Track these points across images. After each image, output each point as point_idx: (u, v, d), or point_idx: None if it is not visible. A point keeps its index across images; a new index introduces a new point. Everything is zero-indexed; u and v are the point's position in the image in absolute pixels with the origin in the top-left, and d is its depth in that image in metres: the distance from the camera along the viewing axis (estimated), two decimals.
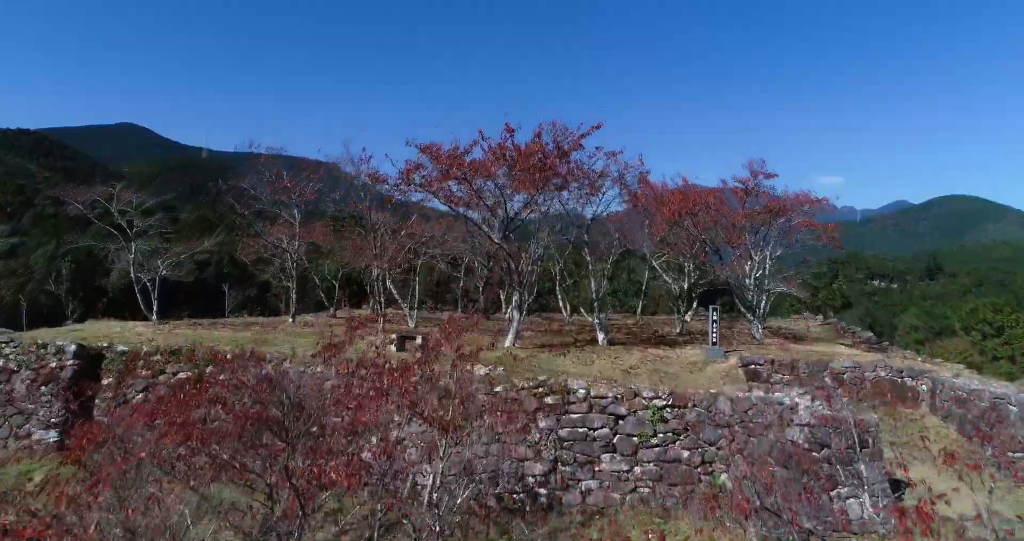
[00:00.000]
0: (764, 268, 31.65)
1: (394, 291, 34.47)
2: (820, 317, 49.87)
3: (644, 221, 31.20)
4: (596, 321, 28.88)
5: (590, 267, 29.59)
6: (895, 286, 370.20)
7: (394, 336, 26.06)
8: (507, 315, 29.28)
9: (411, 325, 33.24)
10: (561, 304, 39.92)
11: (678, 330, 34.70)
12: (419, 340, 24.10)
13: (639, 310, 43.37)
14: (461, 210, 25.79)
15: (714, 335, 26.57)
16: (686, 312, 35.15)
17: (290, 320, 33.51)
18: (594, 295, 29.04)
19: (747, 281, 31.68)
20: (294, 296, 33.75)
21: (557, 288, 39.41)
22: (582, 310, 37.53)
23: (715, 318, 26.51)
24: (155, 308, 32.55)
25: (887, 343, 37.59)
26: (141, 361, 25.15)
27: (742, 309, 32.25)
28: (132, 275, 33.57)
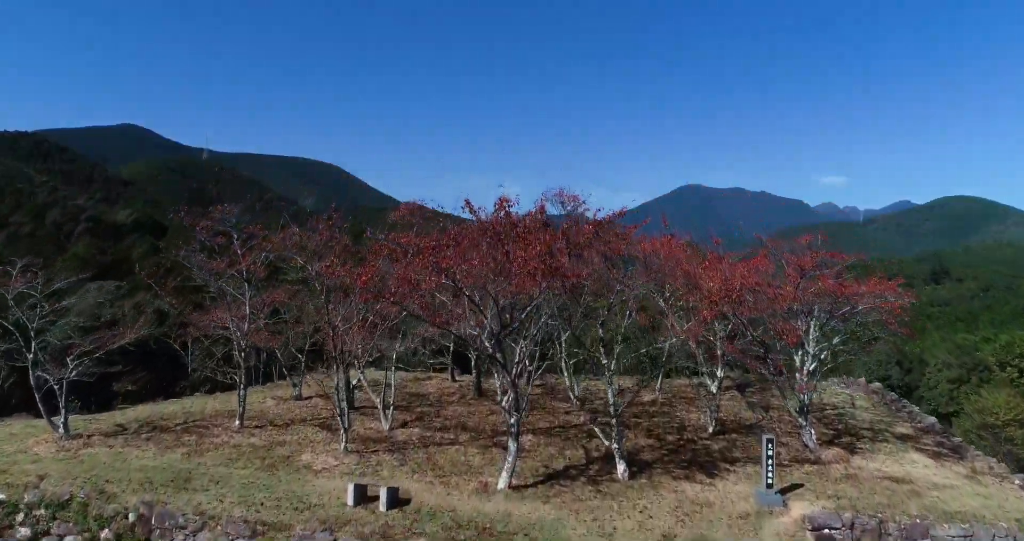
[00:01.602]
0: (818, 361, 25.81)
1: (367, 387, 28.46)
2: (862, 379, 43.85)
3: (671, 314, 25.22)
4: (615, 446, 22.87)
5: (606, 374, 23.61)
6: (900, 290, 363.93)
7: (350, 489, 20.00)
8: (502, 403, 23.00)
9: (385, 427, 27.19)
10: (567, 381, 33.99)
11: (711, 428, 28.68)
12: (383, 497, 18.17)
13: (659, 382, 37.38)
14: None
15: (768, 475, 20.60)
16: (716, 410, 29.22)
17: (237, 424, 27.35)
18: (612, 408, 23.15)
19: (798, 376, 25.74)
20: (243, 392, 27.56)
21: (563, 363, 33.48)
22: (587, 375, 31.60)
23: (769, 453, 20.53)
24: (64, 419, 26.09)
25: (958, 438, 31.51)
26: (21, 515, 19.22)
27: (791, 411, 26.26)
28: (31, 379, 26.74)
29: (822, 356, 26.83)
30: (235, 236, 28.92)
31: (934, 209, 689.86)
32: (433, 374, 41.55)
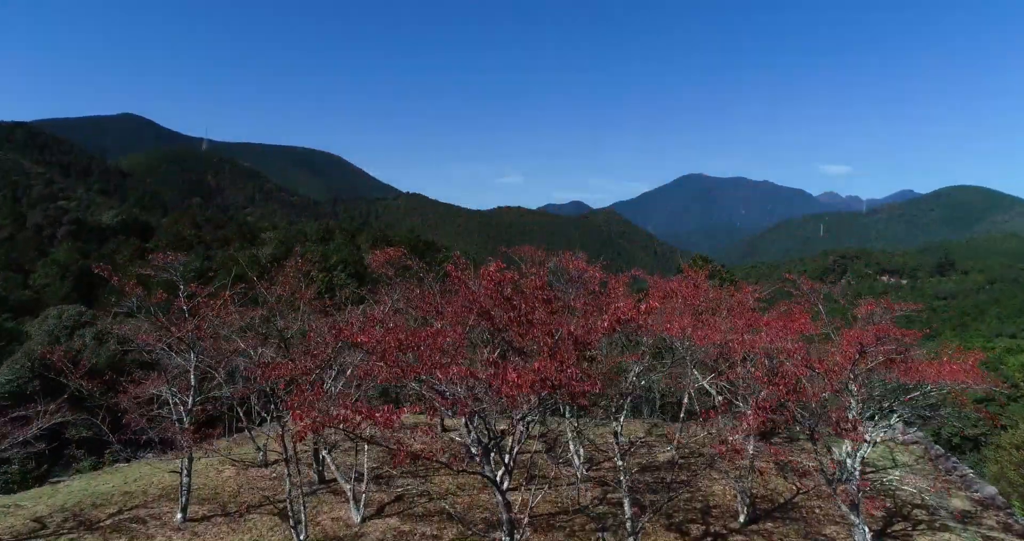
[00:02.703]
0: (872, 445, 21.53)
1: (334, 470, 24.15)
2: (899, 424, 39.42)
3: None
4: None
5: (620, 471, 19.37)
6: (904, 282, 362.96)
7: None
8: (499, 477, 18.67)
9: (356, 517, 22.90)
10: (571, 446, 29.74)
11: (742, 515, 24.39)
12: None
13: (676, 437, 33.15)
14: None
15: None
16: (748, 491, 24.98)
17: (179, 517, 23.01)
18: (625, 504, 18.98)
19: (849, 463, 21.53)
20: (186, 480, 23.15)
21: (569, 433, 29.21)
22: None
23: None
24: None
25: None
26: None
27: (841, 506, 22.01)
28: None
29: (877, 440, 22.53)
30: (180, 288, 24.55)
31: (938, 198, 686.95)
32: (416, 417, 37.32)
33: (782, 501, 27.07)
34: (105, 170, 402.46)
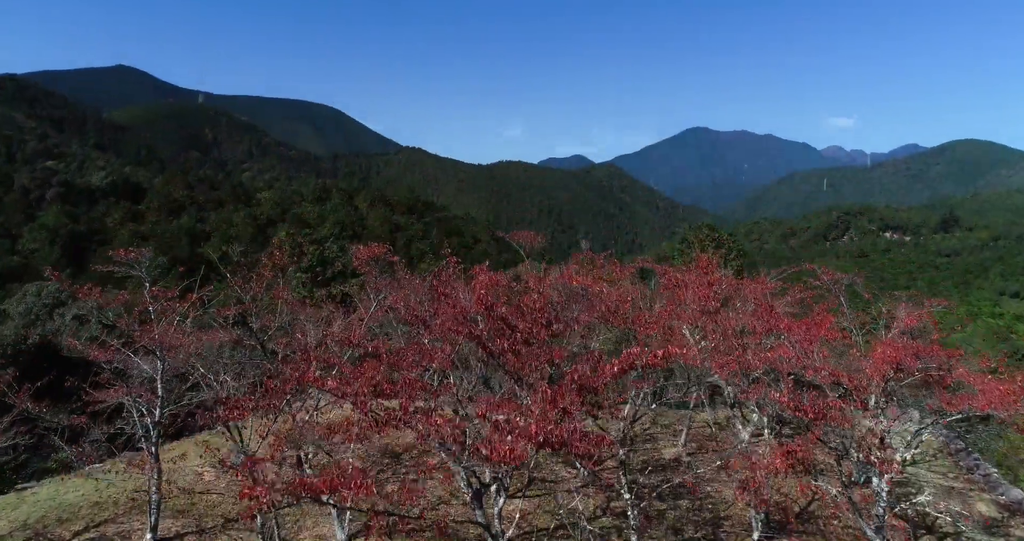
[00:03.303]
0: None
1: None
2: (915, 413, 37.57)
3: None
4: None
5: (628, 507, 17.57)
6: (907, 239, 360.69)
7: None
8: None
9: (341, 536, 21.13)
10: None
11: (756, 532, 22.58)
12: None
13: (684, 437, 31.51)
14: None
15: None
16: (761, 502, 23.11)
17: (148, 537, 21.28)
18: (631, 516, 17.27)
19: (875, 481, 19.72)
20: (155, 497, 21.32)
21: None
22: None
23: None
24: None
25: None
26: None
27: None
28: None
29: (908, 456, 20.64)
30: (147, 286, 22.40)
31: (943, 153, 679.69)
32: (391, 403, 35.47)
33: (797, 510, 25.40)
34: (100, 124, 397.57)
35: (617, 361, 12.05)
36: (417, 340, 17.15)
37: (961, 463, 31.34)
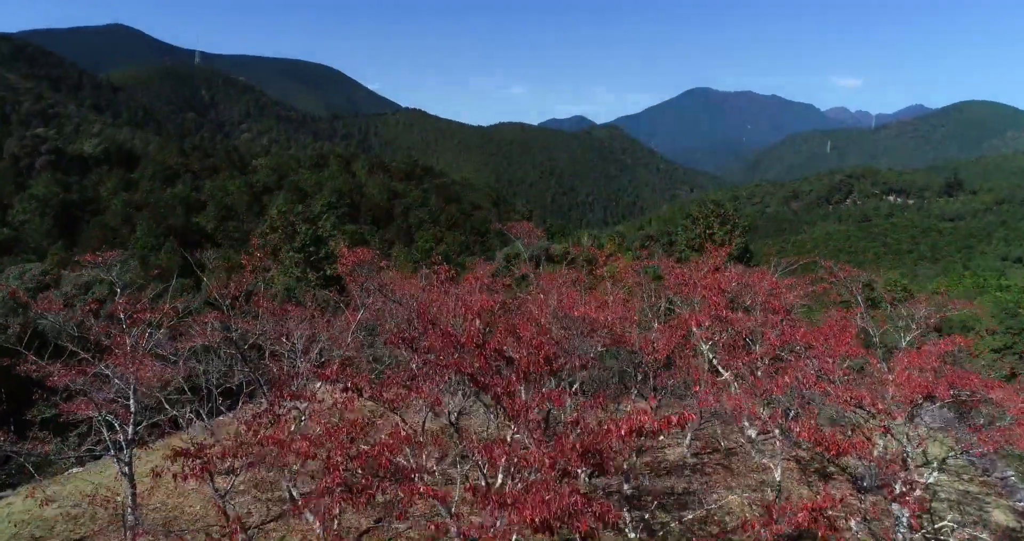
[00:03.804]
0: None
1: (297, 498, 21.09)
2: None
3: None
4: None
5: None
6: (911, 202, 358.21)
7: None
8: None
9: None
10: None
11: None
12: None
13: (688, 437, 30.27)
14: None
15: None
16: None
17: None
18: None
19: (895, 508, 18.70)
20: (130, 517, 20.10)
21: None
22: None
23: None
24: None
25: None
26: None
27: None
28: None
29: (932, 480, 19.35)
30: (117, 291, 20.96)
31: (949, 114, 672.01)
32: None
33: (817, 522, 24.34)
34: (96, 85, 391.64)
35: (624, 420, 10.68)
36: (401, 370, 15.72)
37: (976, 463, 30.16)
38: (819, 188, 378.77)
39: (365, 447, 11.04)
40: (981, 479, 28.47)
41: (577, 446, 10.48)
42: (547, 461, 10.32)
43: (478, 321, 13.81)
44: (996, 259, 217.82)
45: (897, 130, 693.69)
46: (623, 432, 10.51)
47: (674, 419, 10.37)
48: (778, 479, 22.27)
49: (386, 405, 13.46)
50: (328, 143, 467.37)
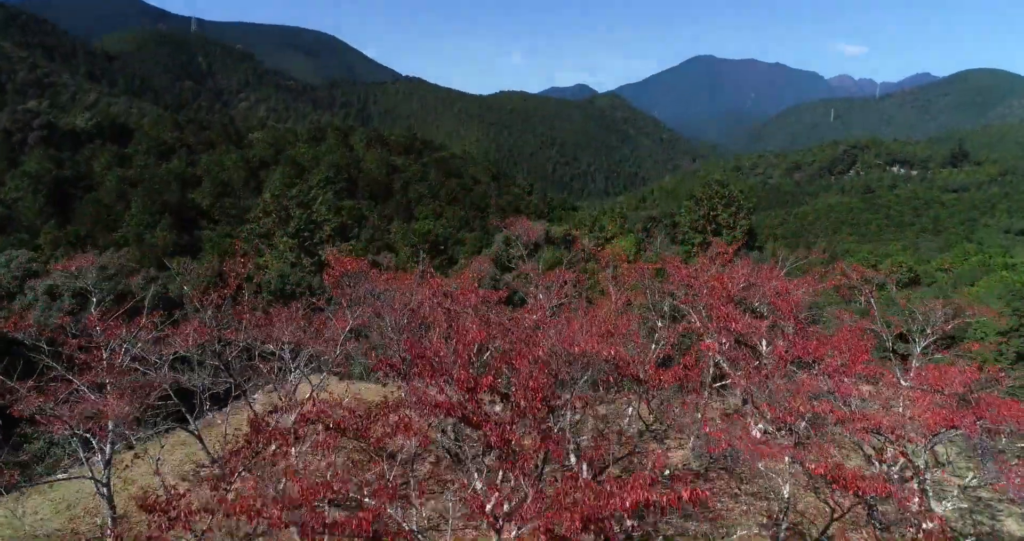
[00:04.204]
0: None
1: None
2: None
3: None
4: None
5: None
6: (914, 173, 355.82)
7: None
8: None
9: None
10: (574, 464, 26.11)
11: None
12: None
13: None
14: None
15: None
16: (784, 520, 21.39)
17: None
18: None
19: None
20: (109, 531, 19.13)
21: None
22: None
23: None
24: None
25: None
26: None
27: None
28: None
29: (950, 507, 18.49)
30: (92, 299, 19.85)
31: (954, 83, 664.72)
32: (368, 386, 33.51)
33: (815, 533, 23.53)
34: (90, 53, 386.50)
35: (630, 489, 9.69)
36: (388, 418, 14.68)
37: (989, 466, 29.28)
38: (822, 159, 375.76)
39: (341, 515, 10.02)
40: (994, 485, 27.61)
41: (576, 517, 9.49)
42: (541, 527, 9.35)
43: (472, 355, 12.76)
44: (999, 232, 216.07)
45: (901, 99, 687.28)
46: (627, 504, 9.52)
47: (686, 495, 9.39)
48: (786, 496, 21.42)
49: (372, 447, 12.51)
50: (327, 113, 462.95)
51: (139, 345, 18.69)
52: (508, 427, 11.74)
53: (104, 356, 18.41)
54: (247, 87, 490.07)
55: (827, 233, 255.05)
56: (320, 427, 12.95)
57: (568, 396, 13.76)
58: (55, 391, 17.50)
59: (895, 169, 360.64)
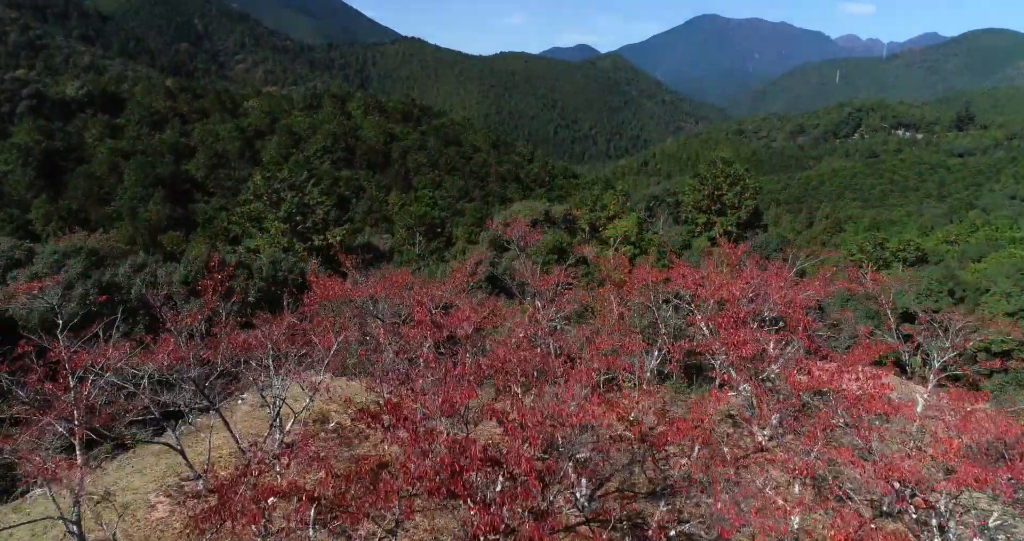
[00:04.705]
0: None
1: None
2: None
3: None
4: None
5: None
6: (920, 137, 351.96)
7: None
8: None
9: None
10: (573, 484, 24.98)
11: None
12: None
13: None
14: None
15: None
16: None
17: None
18: None
19: None
20: None
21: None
22: None
23: None
24: None
25: None
26: None
27: None
28: None
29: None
30: (59, 324, 18.63)
31: (962, 43, 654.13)
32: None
33: None
34: (84, 14, 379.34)
35: None
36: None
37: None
38: (826, 122, 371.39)
39: None
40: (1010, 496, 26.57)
41: None
42: None
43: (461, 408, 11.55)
44: (1005, 198, 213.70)
45: (909, 59, 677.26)
46: None
47: None
48: (795, 529, 20.41)
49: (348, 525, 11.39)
50: (325, 74, 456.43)
51: (109, 372, 17.44)
52: (498, 508, 10.62)
53: (72, 383, 17.23)
54: (244, 49, 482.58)
55: (830, 198, 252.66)
56: (295, 499, 11.84)
57: (568, 464, 12.62)
58: (21, 428, 16.35)
59: (900, 133, 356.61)
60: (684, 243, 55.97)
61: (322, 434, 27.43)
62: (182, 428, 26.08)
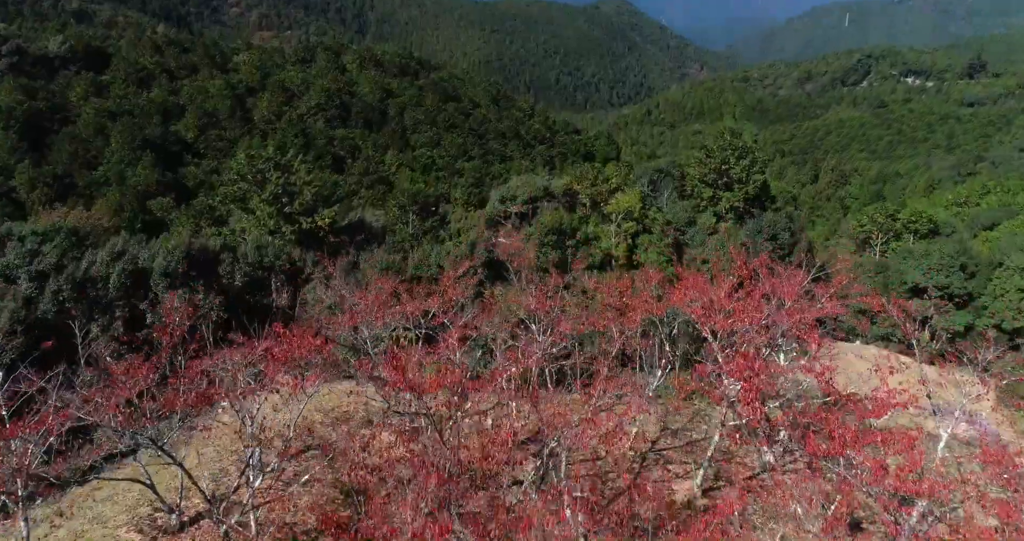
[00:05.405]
0: None
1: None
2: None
3: None
4: None
5: None
6: (930, 85, 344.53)
7: None
8: None
9: None
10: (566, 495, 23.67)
11: None
12: None
13: (700, 475, 27.22)
14: None
15: None
16: None
17: None
18: None
19: None
20: None
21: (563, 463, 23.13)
22: None
23: None
24: None
25: None
26: None
27: None
28: None
29: None
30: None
31: None
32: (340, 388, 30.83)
33: None
34: None
35: None
36: None
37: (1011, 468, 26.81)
38: (834, 69, 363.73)
39: None
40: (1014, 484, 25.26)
41: None
42: None
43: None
44: (1015, 150, 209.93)
45: (921, 2, 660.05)
46: None
47: None
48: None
49: None
50: (321, 19, 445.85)
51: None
52: None
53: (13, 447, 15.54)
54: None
55: (836, 150, 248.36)
56: None
57: None
58: None
59: (910, 80, 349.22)
60: (689, 219, 53.72)
61: (306, 453, 26.00)
62: (152, 453, 24.44)
